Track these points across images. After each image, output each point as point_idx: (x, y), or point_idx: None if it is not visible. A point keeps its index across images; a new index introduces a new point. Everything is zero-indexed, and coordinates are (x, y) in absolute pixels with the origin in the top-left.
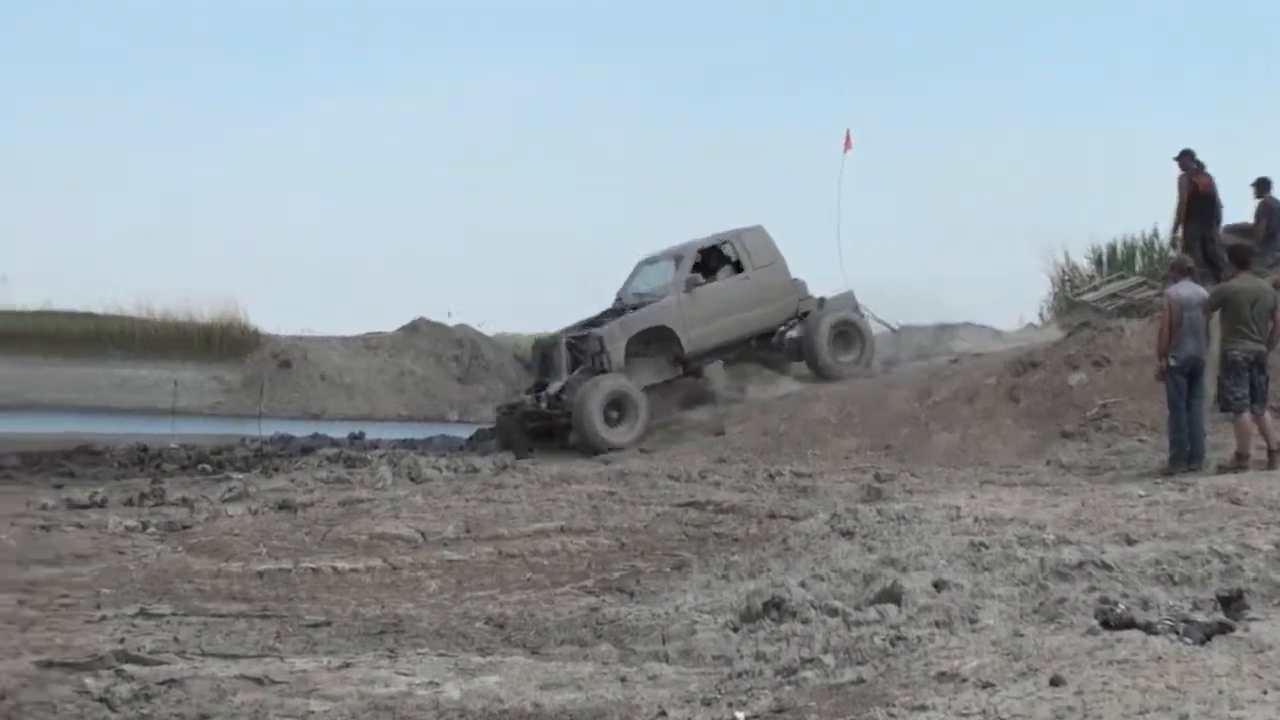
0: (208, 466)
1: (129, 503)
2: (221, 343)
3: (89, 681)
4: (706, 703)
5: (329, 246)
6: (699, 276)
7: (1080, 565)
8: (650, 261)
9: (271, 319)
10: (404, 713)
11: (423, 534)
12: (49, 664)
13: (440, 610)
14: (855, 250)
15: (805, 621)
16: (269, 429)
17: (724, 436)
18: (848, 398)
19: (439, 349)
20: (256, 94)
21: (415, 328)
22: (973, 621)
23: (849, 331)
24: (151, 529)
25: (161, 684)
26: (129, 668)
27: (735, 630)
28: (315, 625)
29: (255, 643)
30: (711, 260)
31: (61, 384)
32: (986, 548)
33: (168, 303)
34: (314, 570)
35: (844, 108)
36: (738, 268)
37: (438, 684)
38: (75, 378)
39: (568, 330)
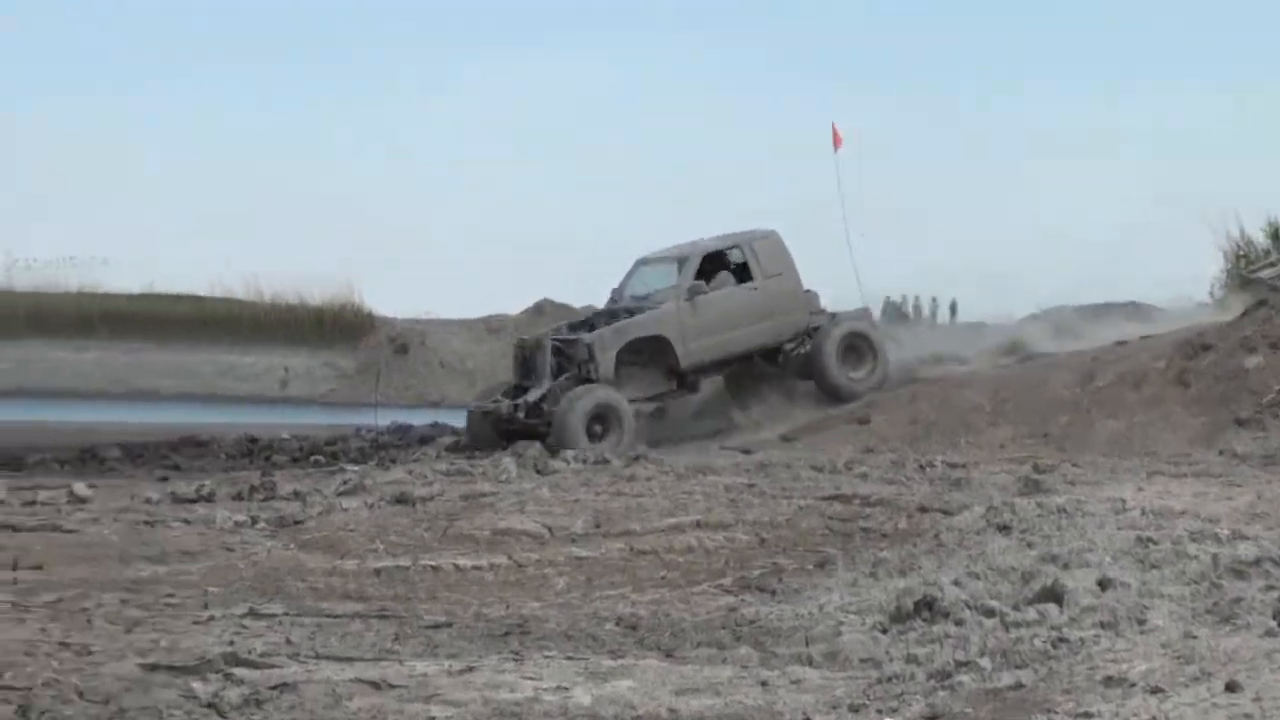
0: (321, 458)
1: (238, 497)
2: (334, 327)
3: (196, 686)
4: (854, 709)
5: (449, 226)
6: (703, 284)
7: (1257, 562)
8: (650, 262)
9: (388, 301)
10: (531, 719)
11: (549, 529)
12: (154, 667)
13: (568, 610)
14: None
15: (959, 622)
16: (385, 418)
17: (870, 425)
18: (1003, 383)
19: None
20: (378, 69)
21: (540, 309)
22: (1141, 622)
23: (860, 345)
24: (261, 524)
25: (273, 689)
26: (238, 671)
27: (884, 631)
28: (435, 626)
29: (372, 645)
30: (716, 265)
31: (165, 371)
32: (1155, 543)
33: (277, 285)
34: (434, 568)
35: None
36: (745, 275)
37: (566, 689)
38: (179, 364)
39: (554, 331)
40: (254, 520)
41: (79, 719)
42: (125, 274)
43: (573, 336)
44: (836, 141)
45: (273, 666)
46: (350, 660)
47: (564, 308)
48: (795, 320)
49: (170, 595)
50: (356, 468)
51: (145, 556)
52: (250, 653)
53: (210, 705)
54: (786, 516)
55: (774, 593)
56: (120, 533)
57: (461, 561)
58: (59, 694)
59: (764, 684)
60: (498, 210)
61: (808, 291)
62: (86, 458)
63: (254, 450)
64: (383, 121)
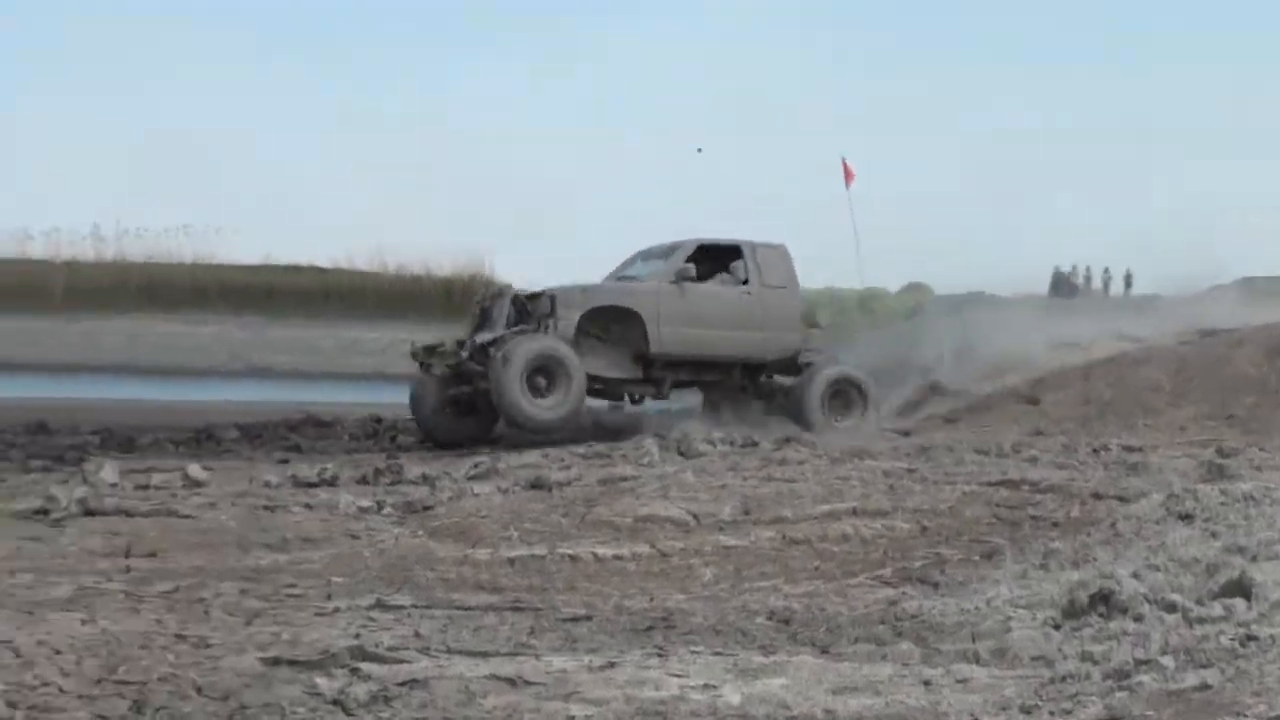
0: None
1: (362, 480)
2: (463, 299)
3: (321, 681)
4: (1025, 710)
5: (580, 195)
6: (691, 268)
7: None
8: (647, 255)
9: (518, 272)
10: (677, 719)
11: (695, 516)
12: (276, 661)
13: (716, 603)
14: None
15: (1138, 618)
16: None
17: (1039, 405)
18: (1183, 360)
19: None
20: (502, 42)
21: None
22: None
23: (848, 392)
24: (388, 510)
25: (402, 685)
26: (365, 666)
27: (1056, 627)
28: (574, 619)
29: (507, 639)
30: (719, 267)
31: (284, 346)
32: None
33: (403, 256)
34: (572, 557)
35: None
36: (744, 281)
37: (714, 687)
38: (299, 339)
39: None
40: (380, 505)
41: (197, 716)
42: (242, 244)
43: (537, 290)
44: (848, 177)
45: (401, 661)
46: (484, 655)
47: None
48: (787, 339)
49: (292, 585)
50: (488, 450)
51: (265, 544)
52: (377, 646)
53: (335, 702)
54: (949, 503)
55: (937, 585)
56: (238, 518)
57: (601, 550)
58: (176, 689)
59: (927, 683)
60: (628, 179)
61: (815, 328)
62: (202, 438)
63: (379, 431)
64: (507, 93)
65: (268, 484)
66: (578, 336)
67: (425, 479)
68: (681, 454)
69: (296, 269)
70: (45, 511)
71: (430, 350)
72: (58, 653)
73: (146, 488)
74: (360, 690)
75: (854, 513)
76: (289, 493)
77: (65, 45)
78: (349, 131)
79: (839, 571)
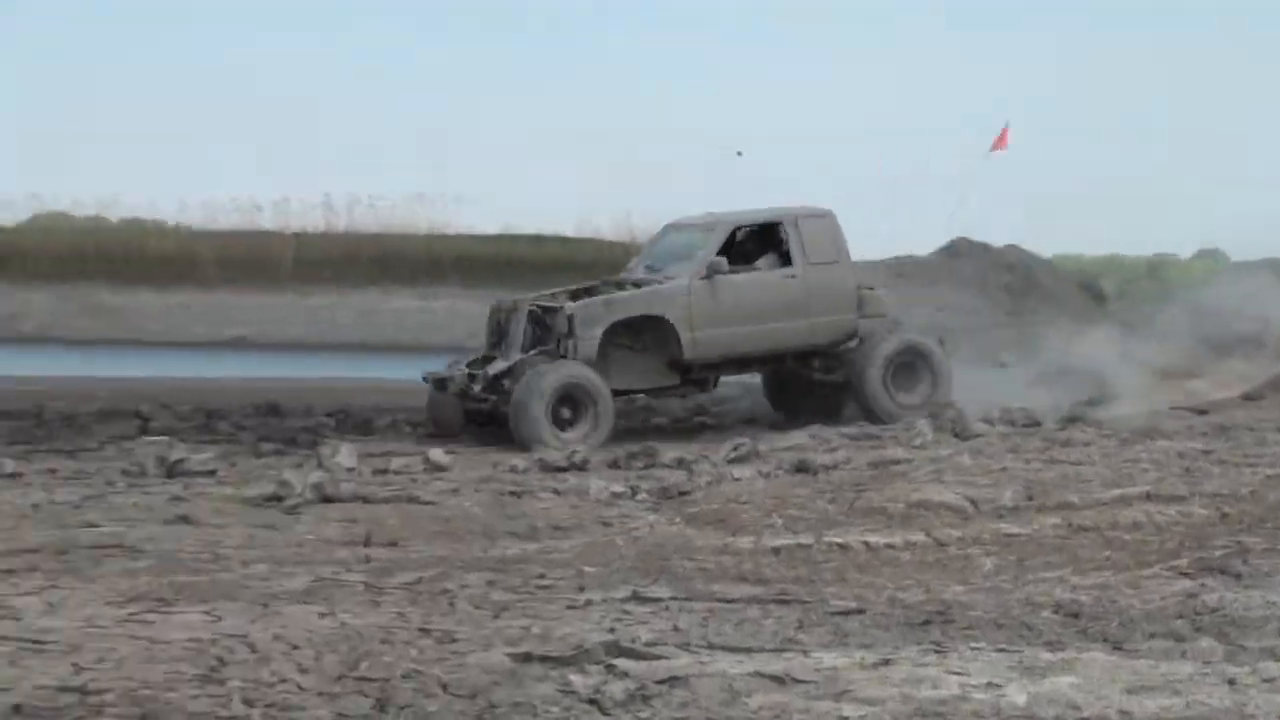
0: (707, 420)
1: (614, 464)
2: None
3: (574, 678)
4: None
5: (852, 161)
6: (723, 261)
7: None
8: (679, 229)
9: None
10: None
11: (973, 502)
12: (526, 657)
13: (997, 595)
14: None
15: None
16: None
17: None
18: None
19: (983, 275)
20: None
21: (954, 250)
22: None
23: (915, 364)
24: (642, 495)
25: (661, 682)
26: (621, 662)
27: None
28: (844, 613)
29: (772, 633)
30: (760, 245)
31: None
32: None
33: (652, 223)
34: (840, 546)
35: None
36: (787, 260)
37: (998, 685)
38: None
39: (540, 297)
40: (634, 491)
41: (443, 715)
42: (480, 213)
43: (554, 304)
44: (1001, 142)
45: (660, 658)
46: (748, 651)
47: (981, 247)
48: (840, 322)
49: (541, 576)
50: (749, 432)
51: (512, 532)
52: (634, 641)
53: (591, 701)
54: (1251, 488)
55: (1239, 576)
56: (483, 505)
57: (872, 539)
58: (420, 686)
59: (1231, 682)
60: (899, 145)
61: (872, 290)
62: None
63: (630, 411)
64: (759, 60)
65: (513, 469)
66: (605, 350)
67: (681, 463)
68: (956, 435)
69: (538, 239)
70: (279, 498)
71: (441, 383)
72: (295, 648)
73: (385, 472)
74: (616, 688)
75: (1146, 498)
76: (536, 478)
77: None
78: (582, 99)
79: (1131, 561)
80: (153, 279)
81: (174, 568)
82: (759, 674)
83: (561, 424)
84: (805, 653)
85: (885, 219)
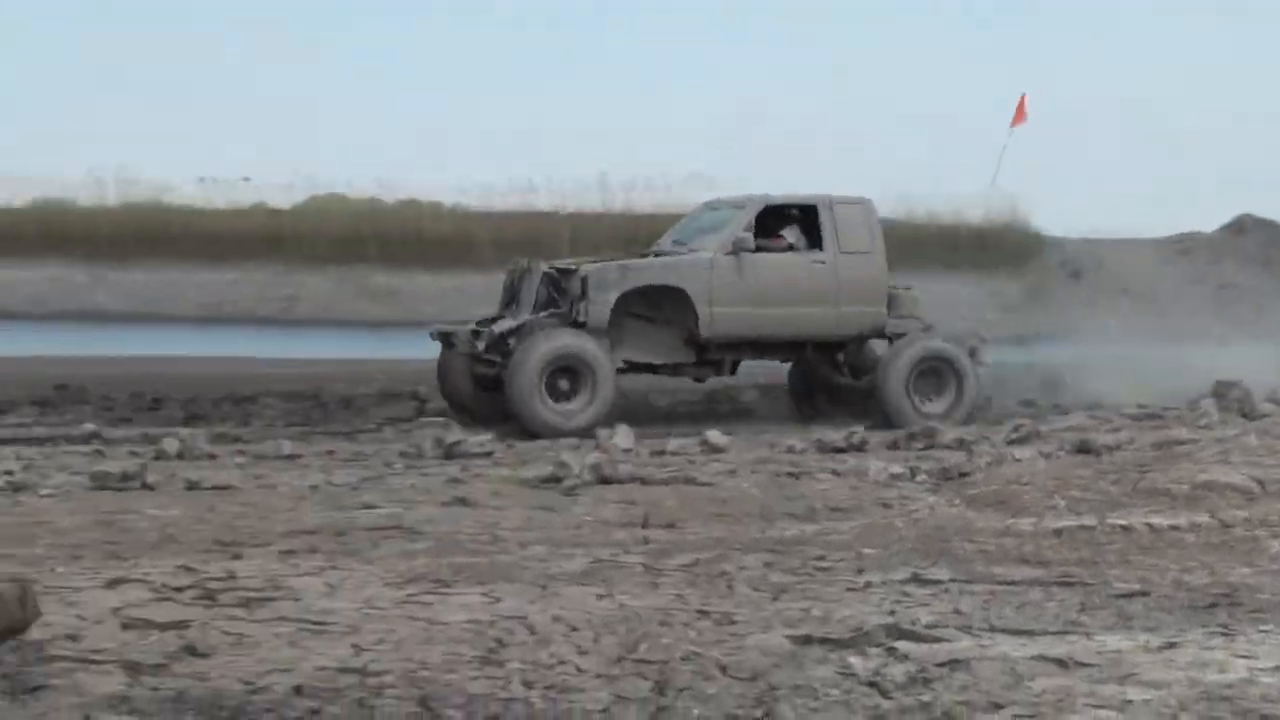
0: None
1: (893, 445)
2: (996, 249)
3: (854, 661)
4: None
5: (1127, 136)
6: (749, 238)
7: None
8: (715, 207)
9: (1058, 220)
10: (1245, 704)
11: (1260, 483)
12: (806, 639)
13: None
14: None
15: None
16: (1061, 351)
17: None
18: None
19: (1268, 251)
20: None
21: (1240, 226)
22: None
23: (941, 370)
24: (922, 476)
25: (942, 665)
26: (901, 645)
27: None
28: (1128, 595)
29: (1054, 616)
30: (783, 225)
31: None
32: None
33: (931, 204)
34: (1123, 527)
35: None
36: (818, 245)
37: None
38: None
39: (561, 261)
40: (913, 472)
41: (723, 697)
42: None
43: (571, 265)
44: (1020, 116)
45: (940, 640)
46: (1030, 634)
47: (1269, 224)
48: (867, 315)
49: (820, 558)
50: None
51: (789, 513)
52: (914, 624)
53: (871, 684)
54: None
55: None
56: (760, 486)
57: (1156, 520)
58: (699, 669)
59: None
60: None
61: (909, 290)
62: (718, 400)
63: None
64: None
65: (791, 449)
66: (618, 318)
67: (961, 443)
68: (1244, 415)
69: None
70: (557, 479)
71: (446, 337)
72: (574, 629)
73: (662, 454)
74: (897, 671)
75: None
76: (814, 459)
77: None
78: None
79: None
80: (428, 261)
81: (452, 549)
82: (1041, 657)
83: (560, 395)
84: (1088, 636)
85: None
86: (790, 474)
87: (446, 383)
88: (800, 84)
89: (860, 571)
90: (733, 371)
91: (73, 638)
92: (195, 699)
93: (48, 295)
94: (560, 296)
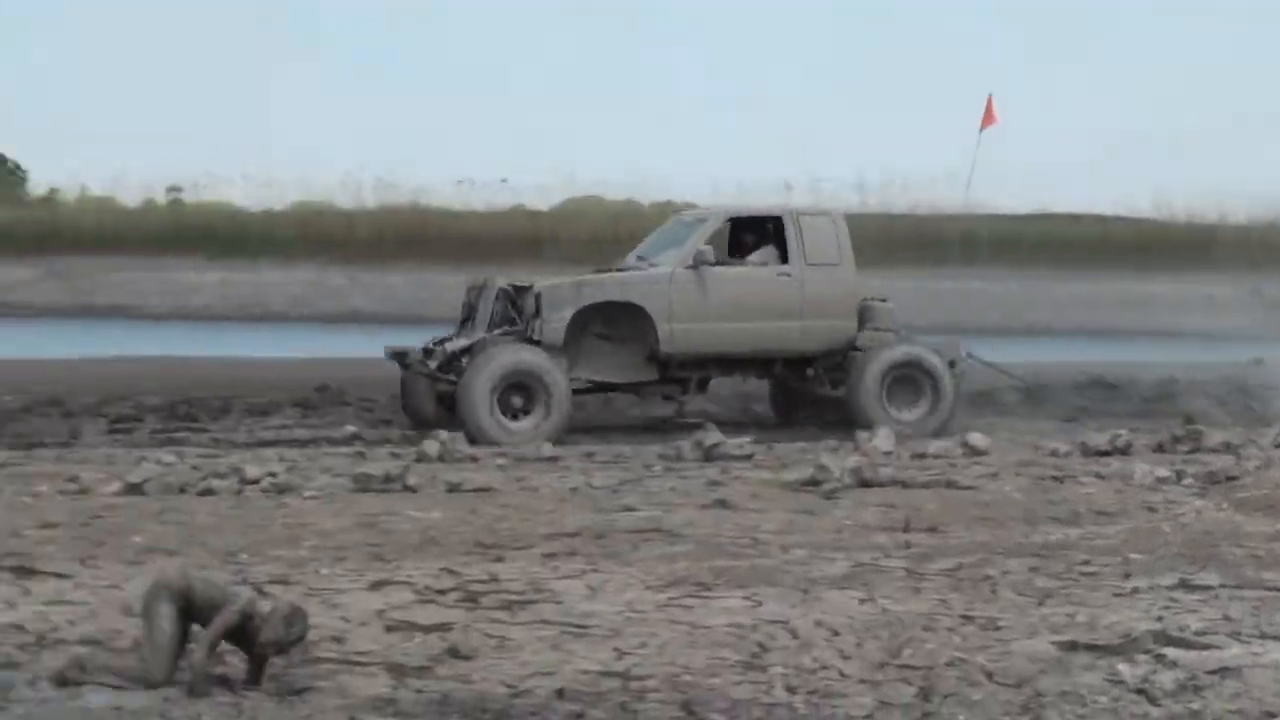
0: (1255, 405)
1: (1158, 448)
2: (1261, 252)
3: (1122, 668)
4: None
5: None
6: (710, 251)
7: None
8: (680, 219)
9: None
10: None
11: None
12: (1072, 645)
13: None
14: None
15: None
16: None
17: None
18: None
19: None
20: None
21: None
22: None
23: (916, 378)
24: (1188, 480)
25: (1212, 673)
26: (1170, 652)
27: None
28: None
29: None
30: (750, 237)
31: (1062, 301)
32: None
33: (1194, 203)
34: None
35: None
36: (786, 257)
37: None
38: (1077, 294)
39: (518, 278)
40: (1179, 475)
41: (989, 704)
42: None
43: (526, 283)
44: (989, 117)
45: (1210, 647)
46: None
47: None
48: (836, 328)
49: (1085, 562)
50: None
51: (1053, 517)
52: (1183, 630)
53: (1139, 691)
54: None
55: None
56: (1023, 489)
57: None
58: (964, 675)
59: None
60: None
61: (883, 302)
62: (978, 400)
63: (1169, 394)
64: None
65: (1054, 453)
66: (575, 337)
67: (1228, 446)
68: None
69: (1074, 217)
70: (817, 482)
71: (400, 356)
72: (836, 634)
73: (923, 456)
74: (1166, 678)
75: None
76: (1078, 462)
77: None
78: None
79: None
80: None
81: (713, 552)
82: None
83: (514, 413)
84: None
85: None
86: (1054, 477)
87: (409, 401)
88: None
89: (1127, 577)
90: (701, 389)
91: (338, 640)
92: (459, 701)
93: (307, 297)
94: (517, 314)
